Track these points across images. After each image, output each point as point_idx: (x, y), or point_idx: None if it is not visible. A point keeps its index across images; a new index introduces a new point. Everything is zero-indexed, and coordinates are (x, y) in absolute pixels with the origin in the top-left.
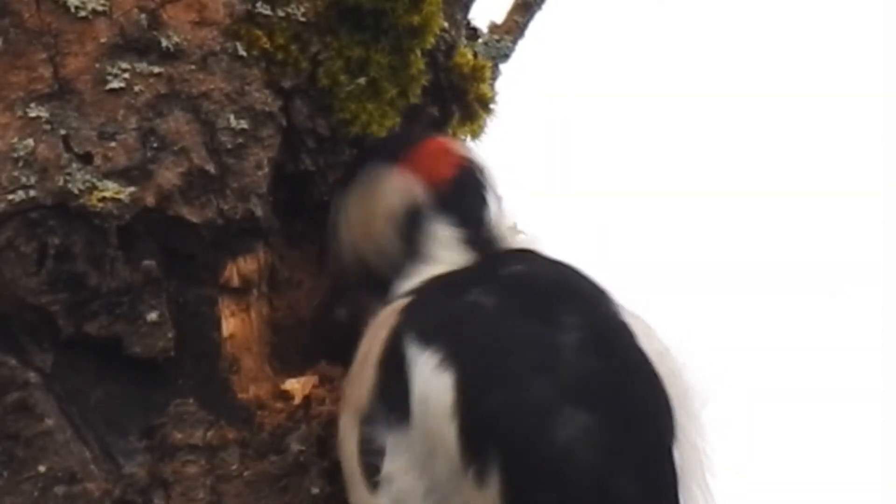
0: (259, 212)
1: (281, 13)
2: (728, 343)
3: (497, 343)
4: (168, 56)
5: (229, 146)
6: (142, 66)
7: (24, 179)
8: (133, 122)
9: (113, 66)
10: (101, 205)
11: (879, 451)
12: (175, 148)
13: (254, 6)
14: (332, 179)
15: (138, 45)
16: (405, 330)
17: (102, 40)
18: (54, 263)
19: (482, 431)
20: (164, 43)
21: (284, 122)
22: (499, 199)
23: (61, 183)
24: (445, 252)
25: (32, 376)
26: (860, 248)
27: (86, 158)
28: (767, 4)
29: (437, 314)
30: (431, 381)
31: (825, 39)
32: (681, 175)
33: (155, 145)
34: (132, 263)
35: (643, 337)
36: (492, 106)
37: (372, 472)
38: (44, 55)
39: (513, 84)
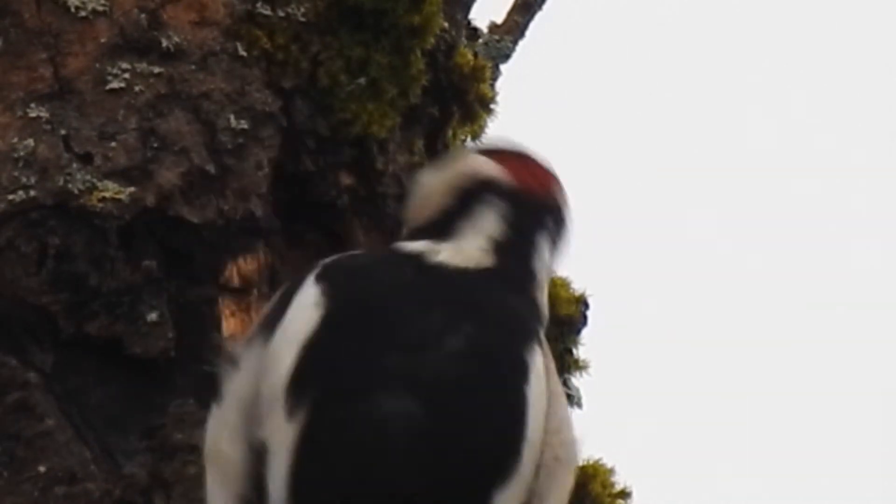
0: (259, 212)
1: (281, 13)
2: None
3: (379, 313)
4: (168, 56)
5: (229, 146)
6: (142, 66)
7: (24, 179)
8: (133, 122)
9: (113, 66)
10: (101, 205)
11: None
12: (175, 148)
13: (254, 6)
14: (332, 179)
15: (138, 45)
16: (316, 270)
17: (103, 40)
18: (54, 263)
19: (315, 373)
20: (165, 43)
21: (284, 123)
22: (555, 246)
23: (61, 183)
24: (473, 238)
25: (32, 376)
26: None
27: (86, 158)
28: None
29: (352, 268)
30: (301, 312)
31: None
32: (681, 175)
33: (155, 145)
34: (132, 263)
35: (539, 389)
36: (492, 106)
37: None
38: (44, 55)
39: (513, 84)
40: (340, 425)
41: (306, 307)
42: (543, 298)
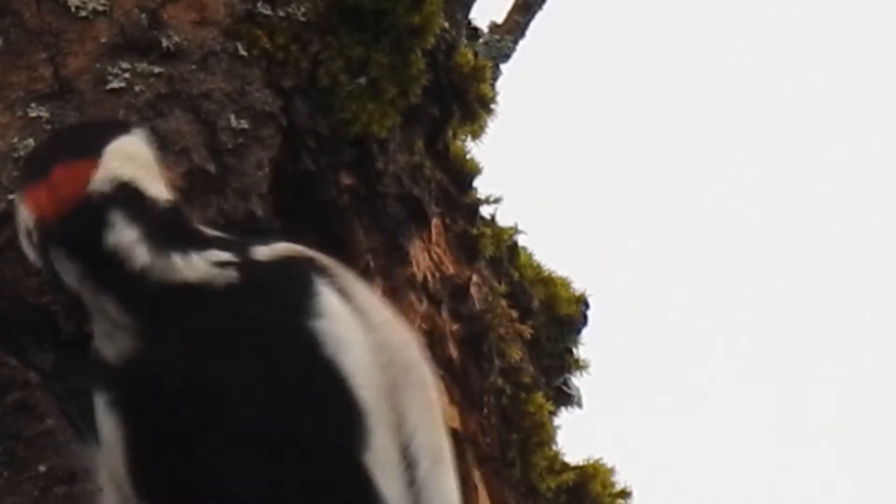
0: (259, 212)
1: (281, 13)
2: None
3: (166, 386)
4: (168, 56)
5: (230, 146)
6: (142, 66)
7: None
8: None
9: (113, 66)
10: None
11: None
12: (175, 148)
13: (254, 6)
14: (332, 179)
15: (139, 44)
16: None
17: (103, 40)
18: None
19: (152, 475)
20: (165, 43)
21: (285, 122)
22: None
23: None
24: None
25: (33, 376)
26: None
27: None
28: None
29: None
30: (103, 419)
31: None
32: (681, 175)
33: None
34: None
35: (341, 334)
36: (492, 106)
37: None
38: (44, 55)
39: (513, 84)
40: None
41: (103, 414)
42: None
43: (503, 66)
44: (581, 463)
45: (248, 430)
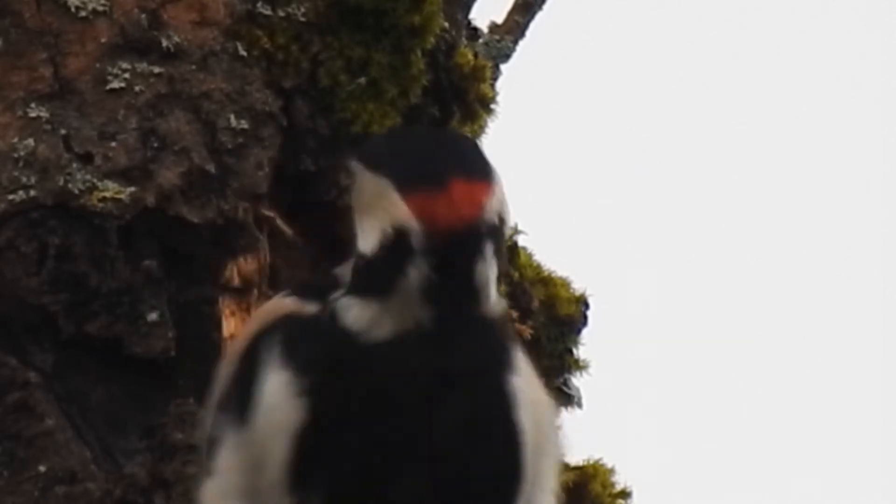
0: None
1: (281, 13)
2: None
3: (361, 394)
4: (168, 56)
5: (230, 146)
6: (142, 66)
7: (24, 179)
8: (133, 122)
9: (113, 66)
10: (101, 205)
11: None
12: (175, 148)
13: (254, 6)
14: (332, 179)
15: (139, 45)
16: (274, 336)
17: (103, 40)
18: (55, 263)
19: (317, 469)
20: (165, 43)
21: (285, 122)
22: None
23: (61, 183)
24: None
25: (33, 376)
26: None
27: (86, 158)
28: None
29: (318, 338)
30: (284, 400)
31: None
32: (681, 174)
33: (155, 145)
34: (132, 263)
35: (524, 406)
36: (492, 106)
37: (212, 458)
38: (44, 55)
39: (513, 84)
40: None
41: (284, 397)
42: (497, 304)
43: (503, 66)
44: (581, 463)
45: (425, 459)
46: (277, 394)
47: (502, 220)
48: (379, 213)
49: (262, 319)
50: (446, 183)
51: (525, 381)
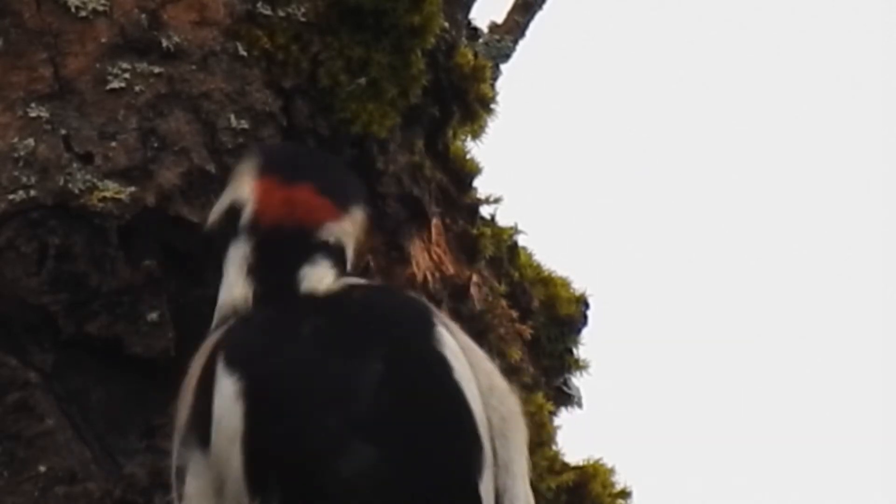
0: None
1: (281, 13)
2: None
3: (295, 376)
4: (168, 56)
5: (230, 146)
6: (142, 66)
7: (24, 179)
8: (133, 122)
9: (113, 66)
10: (101, 205)
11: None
12: (175, 148)
13: (254, 6)
14: None
15: (139, 45)
16: (219, 353)
17: (103, 40)
18: (55, 263)
19: (267, 463)
20: (165, 43)
21: (285, 122)
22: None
23: (62, 183)
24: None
25: (33, 376)
26: None
27: (86, 158)
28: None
29: (251, 341)
30: (227, 408)
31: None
32: (681, 174)
33: (155, 145)
34: (132, 263)
35: (463, 367)
36: (492, 106)
37: (180, 487)
38: (44, 55)
39: (513, 84)
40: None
41: (230, 401)
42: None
43: (503, 66)
44: (581, 463)
45: (373, 424)
46: (225, 400)
47: (340, 249)
48: (230, 188)
49: (206, 351)
50: (296, 183)
51: (455, 356)
